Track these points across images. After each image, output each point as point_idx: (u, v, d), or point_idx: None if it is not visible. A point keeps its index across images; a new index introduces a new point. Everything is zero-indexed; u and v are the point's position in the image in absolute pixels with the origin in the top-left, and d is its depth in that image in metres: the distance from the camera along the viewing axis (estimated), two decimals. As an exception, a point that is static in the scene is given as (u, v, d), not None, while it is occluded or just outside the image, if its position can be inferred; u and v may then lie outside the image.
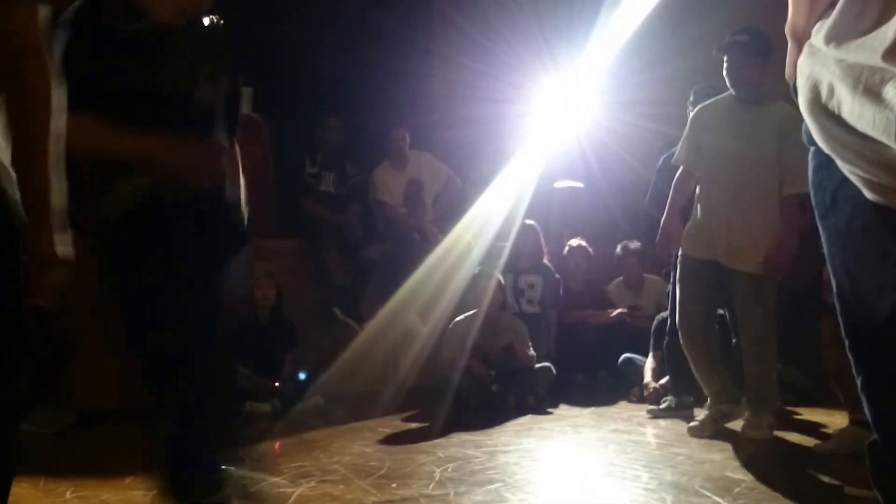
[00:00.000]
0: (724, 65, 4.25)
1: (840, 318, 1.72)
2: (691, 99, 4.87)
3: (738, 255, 4.25)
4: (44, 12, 1.65)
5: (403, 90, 7.18)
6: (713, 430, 4.32)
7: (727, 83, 4.29)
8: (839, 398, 4.01)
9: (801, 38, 1.55)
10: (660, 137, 5.60)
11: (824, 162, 1.65)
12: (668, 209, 4.54)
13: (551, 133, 6.68)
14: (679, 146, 4.51)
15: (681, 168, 4.49)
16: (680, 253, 4.46)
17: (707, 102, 4.46)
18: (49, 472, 3.49)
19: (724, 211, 4.27)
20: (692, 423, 4.42)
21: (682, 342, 4.49)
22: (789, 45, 1.62)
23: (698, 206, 4.41)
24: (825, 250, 1.73)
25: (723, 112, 4.34)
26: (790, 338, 4.87)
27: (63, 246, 1.75)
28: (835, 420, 4.40)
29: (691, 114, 4.56)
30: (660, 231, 4.56)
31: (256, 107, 6.87)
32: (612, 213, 6.76)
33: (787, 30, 1.61)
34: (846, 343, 1.92)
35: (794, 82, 1.58)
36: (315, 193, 6.18)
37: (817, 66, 1.49)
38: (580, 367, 5.97)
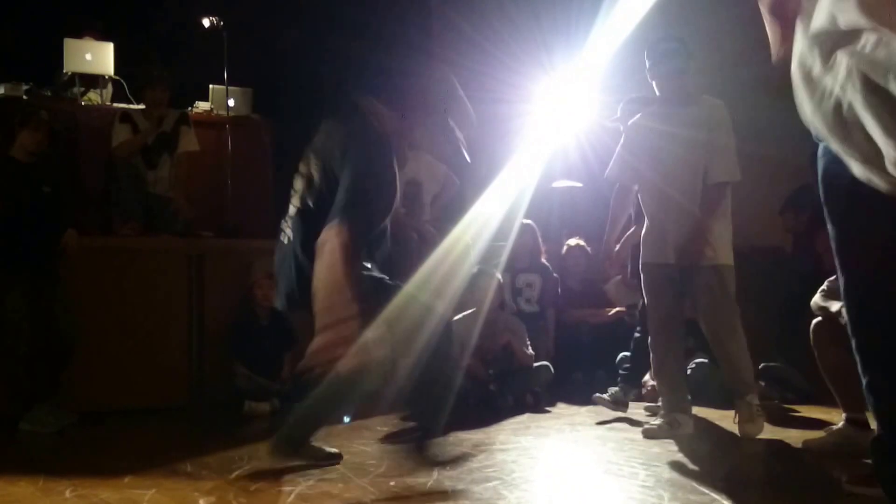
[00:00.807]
0: (659, 73, 4.37)
1: (853, 316, 1.72)
2: (618, 115, 4.95)
3: (692, 252, 4.31)
4: None
5: (402, 91, 7.18)
6: (668, 436, 4.31)
7: (657, 89, 4.42)
8: (835, 398, 4.02)
9: (790, 16, 1.53)
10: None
11: (833, 159, 1.64)
12: (610, 227, 4.74)
13: (550, 133, 6.68)
14: (612, 163, 4.64)
15: (617, 185, 4.64)
16: (641, 262, 4.54)
17: (635, 117, 4.56)
18: (48, 472, 3.51)
19: (670, 212, 4.37)
20: (647, 426, 4.44)
21: (651, 347, 4.55)
22: (772, 23, 1.59)
23: (645, 214, 4.52)
24: (835, 247, 1.72)
25: (655, 120, 4.43)
26: (787, 336, 4.89)
27: None
28: (832, 417, 4.40)
29: (624, 131, 4.65)
30: (603, 251, 4.77)
31: (257, 108, 6.89)
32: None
33: (768, 7, 1.58)
34: (856, 342, 1.92)
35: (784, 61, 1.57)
36: (314, 194, 6.18)
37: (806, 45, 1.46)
38: (578, 365, 5.98)
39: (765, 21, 1.63)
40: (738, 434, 4.29)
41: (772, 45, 1.61)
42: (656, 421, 4.46)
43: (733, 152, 4.32)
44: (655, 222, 4.46)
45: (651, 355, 4.57)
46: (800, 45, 1.51)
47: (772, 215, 6.36)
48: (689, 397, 4.53)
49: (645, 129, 4.47)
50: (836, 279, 3.89)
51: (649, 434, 4.37)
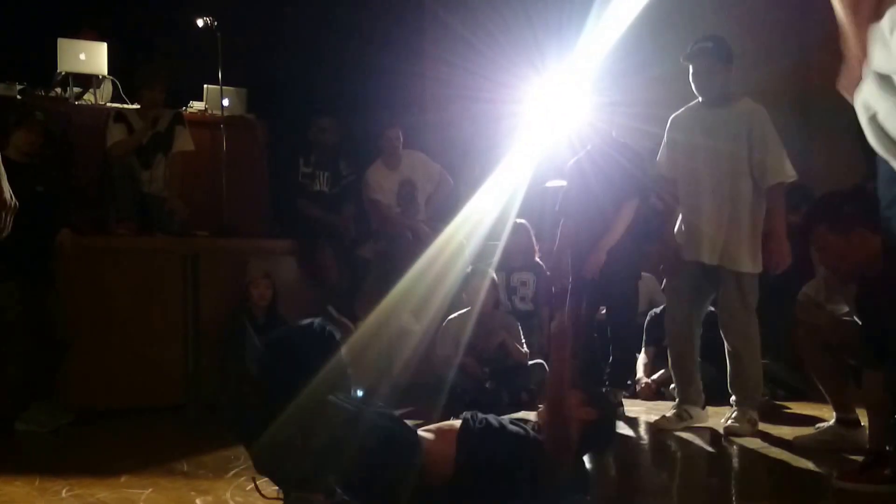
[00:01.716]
0: (691, 71, 4.36)
1: None
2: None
3: (722, 254, 4.33)
4: None
5: (396, 90, 7.20)
6: (678, 428, 4.41)
7: (694, 89, 4.40)
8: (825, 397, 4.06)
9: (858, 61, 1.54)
10: (650, 138, 5.61)
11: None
12: (668, 221, 4.66)
13: (543, 133, 6.69)
14: (659, 155, 4.65)
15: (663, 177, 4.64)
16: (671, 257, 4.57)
17: (679, 111, 4.57)
18: (44, 471, 3.52)
19: (705, 210, 4.37)
20: (660, 417, 4.55)
21: (668, 341, 4.64)
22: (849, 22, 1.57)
23: (683, 209, 4.50)
24: None
25: (693, 117, 4.46)
26: (773, 332, 4.94)
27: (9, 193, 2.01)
28: (823, 414, 4.44)
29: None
30: (666, 247, 4.70)
31: (250, 107, 6.90)
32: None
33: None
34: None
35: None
36: (309, 193, 6.20)
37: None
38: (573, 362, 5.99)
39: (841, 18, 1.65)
40: (725, 431, 4.31)
41: (846, 46, 1.63)
42: (669, 413, 4.54)
43: (783, 150, 4.28)
44: (690, 217, 4.45)
45: (668, 348, 4.64)
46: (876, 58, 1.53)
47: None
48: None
49: (686, 126, 4.47)
50: (814, 284, 3.96)
51: (660, 425, 4.45)
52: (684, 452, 4.08)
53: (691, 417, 4.45)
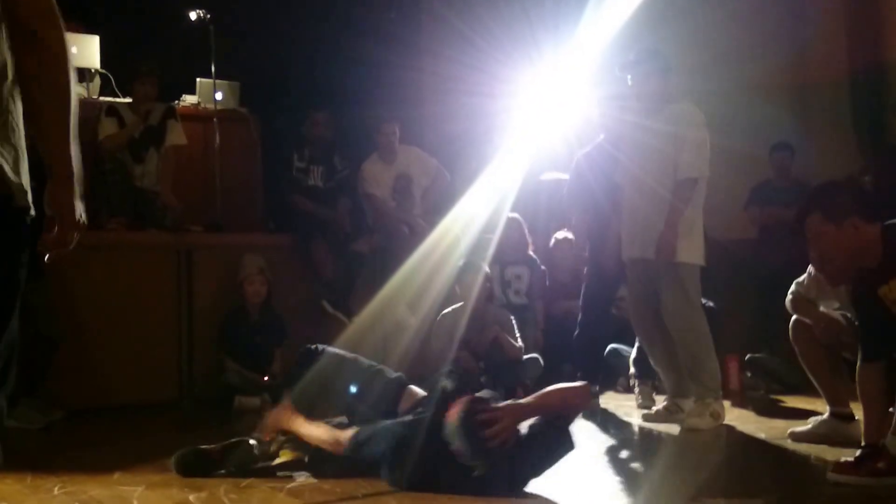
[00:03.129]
0: (629, 81, 4.57)
1: None
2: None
3: (658, 246, 4.39)
4: None
5: (392, 84, 7.17)
6: (667, 420, 4.46)
7: (635, 96, 4.60)
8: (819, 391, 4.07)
9: None
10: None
11: None
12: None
13: (539, 126, 6.68)
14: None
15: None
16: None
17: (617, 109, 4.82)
18: (36, 468, 3.48)
19: (637, 207, 4.53)
20: (647, 411, 4.65)
21: (638, 339, 4.81)
22: None
23: (623, 208, 4.71)
24: None
25: (635, 114, 4.63)
26: (768, 326, 4.95)
27: (81, 211, 1.94)
28: (818, 407, 4.42)
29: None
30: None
31: (244, 101, 6.86)
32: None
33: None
34: None
35: None
36: (303, 188, 6.17)
37: None
38: (567, 357, 5.97)
39: None
40: (683, 425, 4.33)
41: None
42: (657, 406, 4.62)
43: (704, 148, 4.42)
44: (626, 216, 4.63)
45: (644, 347, 4.74)
46: None
47: (739, 209, 6.55)
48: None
49: (625, 123, 4.66)
50: (805, 281, 3.98)
51: (649, 419, 4.51)
52: (670, 445, 4.08)
53: (682, 411, 4.46)
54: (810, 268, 3.90)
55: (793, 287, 4.06)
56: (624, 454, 3.94)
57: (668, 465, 3.73)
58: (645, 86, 4.53)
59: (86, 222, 1.96)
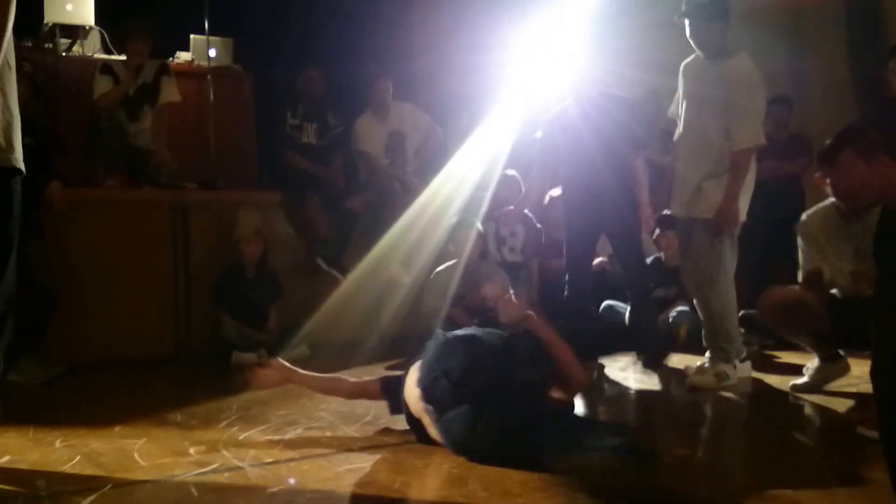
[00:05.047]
0: (687, 28, 4.35)
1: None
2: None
3: (692, 202, 4.39)
4: None
5: (384, 39, 7.13)
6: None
7: (692, 45, 4.39)
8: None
9: None
10: (643, 85, 5.60)
11: None
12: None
13: (533, 81, 6.66)
14: (672, 106, 4.69)
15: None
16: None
17: (688, 59, 4.55)
18: (38, 422, 3.54)
19: (685, 160, 4.45)
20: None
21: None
22: None
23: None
24: None
25: (692, 70, 4.48)
26: (759, 281, 4.99)
27: None
28: (814, 361, 4.49)
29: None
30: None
31: (237, 58, 6.82)
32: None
33: None
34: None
35: None
36: (297, 145, 6.17)
37: None
38: (561, 315, 6.03)
39: None
40: (687, 383, 4.38)
41: None
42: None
43: (760, 114, 4.30)
44: (677, 169, 4.55)
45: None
46: None
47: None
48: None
49: (686, 78, 4.51)
50: (820, 213, 4.03)
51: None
52: (680, 402, 4.15)
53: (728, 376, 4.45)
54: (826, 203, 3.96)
55: (804, 217, 4.13)
56: (618, 411, 4.00)
57: (668, 424, 3.79)
58: (706, 34, 4.31)
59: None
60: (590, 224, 4.96)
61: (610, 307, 5.86)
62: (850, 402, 3.90)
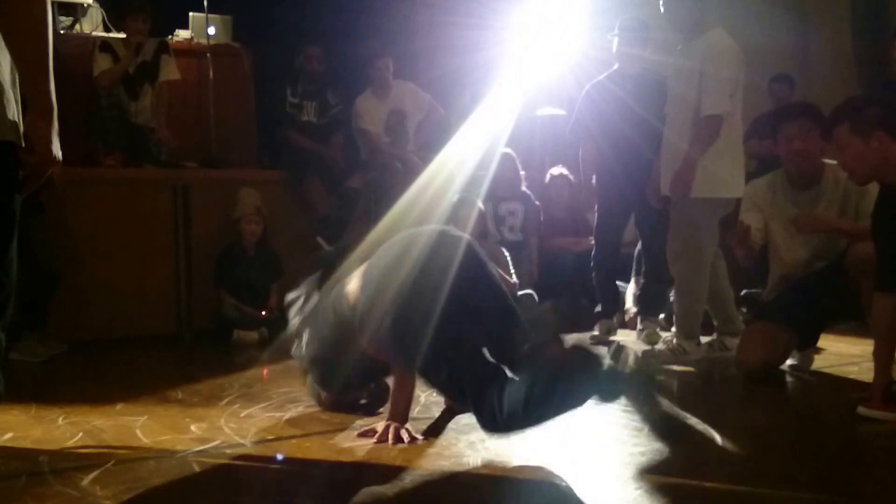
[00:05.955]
0: (661, 7, 4.49)
1: None
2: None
3: (672, 184, 4.43)
4: None
5: (385, 17, 7.10)
6: (669, 361, 4.47)
7: (667, 23, 4.51)
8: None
9: None
10: (643, 63, 5.56)
11: None
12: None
13: (534, 59, 6.64)
14: None
15: None
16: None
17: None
18: (40, 399, 3.57)
19: (669, 138, 4.51)
20: (648, 348, 4.68)
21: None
22: None
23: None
24: None
25: (681, 49, 4.56)
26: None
27: (58, 147, 1.98)
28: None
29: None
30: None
31: (236, 36, 6.79)
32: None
33: None
34: None
35: None
36: (297, 124, 6.17)
37: None
38: (562, 293, 6.04)
39: None
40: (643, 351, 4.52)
41: None
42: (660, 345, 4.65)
43: (723, 83, 4.31)
44: (662, 154, 4.61)
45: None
46: None
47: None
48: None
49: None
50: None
51: (649, 356, 4.52)
52: (676, 382, 4.16)
53: (728, 349, 4.51)
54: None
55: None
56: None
57: (666, 404, 3.80)
58: (676, 11, 4.44)
59: (61, 159, 1.99)
60: (623, 200, 5.08)
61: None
62: (850, 382, 3.91)
